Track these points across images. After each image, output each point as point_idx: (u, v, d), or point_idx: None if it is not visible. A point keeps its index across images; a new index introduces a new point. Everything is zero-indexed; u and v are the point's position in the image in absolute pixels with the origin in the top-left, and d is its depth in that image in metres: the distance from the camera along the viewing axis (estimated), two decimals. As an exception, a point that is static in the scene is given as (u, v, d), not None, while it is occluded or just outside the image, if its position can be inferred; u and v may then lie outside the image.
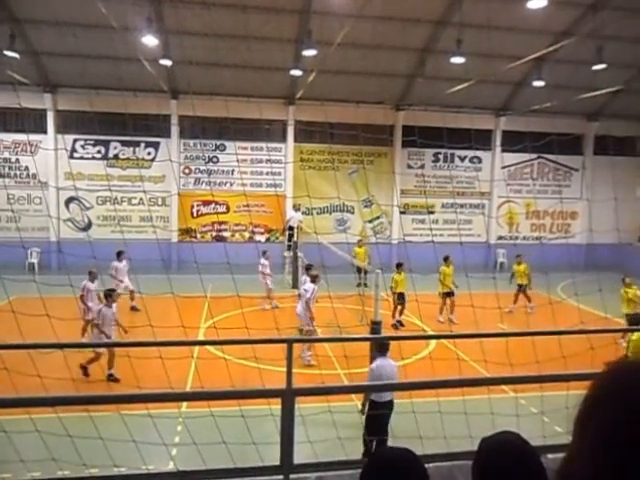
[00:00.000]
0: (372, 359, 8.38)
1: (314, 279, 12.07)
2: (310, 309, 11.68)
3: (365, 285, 17.87)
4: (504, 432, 1.69)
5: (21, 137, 21.48)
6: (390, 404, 7.11)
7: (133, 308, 15.37)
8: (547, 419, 6.98)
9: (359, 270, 18.60)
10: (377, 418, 6.97)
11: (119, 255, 15.52)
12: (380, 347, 7.32)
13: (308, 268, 13.76)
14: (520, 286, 16.67)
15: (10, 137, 21.56)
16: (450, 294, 15.48)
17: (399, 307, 15.01)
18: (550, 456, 2.23)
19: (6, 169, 21.74)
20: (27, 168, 21.82)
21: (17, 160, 21.83)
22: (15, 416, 4.51)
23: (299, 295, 12.51)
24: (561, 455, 1.15)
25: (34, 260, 20.80)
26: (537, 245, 23.86)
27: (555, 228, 26.41)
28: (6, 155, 21.68)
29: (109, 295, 10.82)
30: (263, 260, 16.97)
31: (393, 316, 14.92)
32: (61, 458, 4.60)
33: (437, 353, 10.80)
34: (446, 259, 15.71)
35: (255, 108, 19.13)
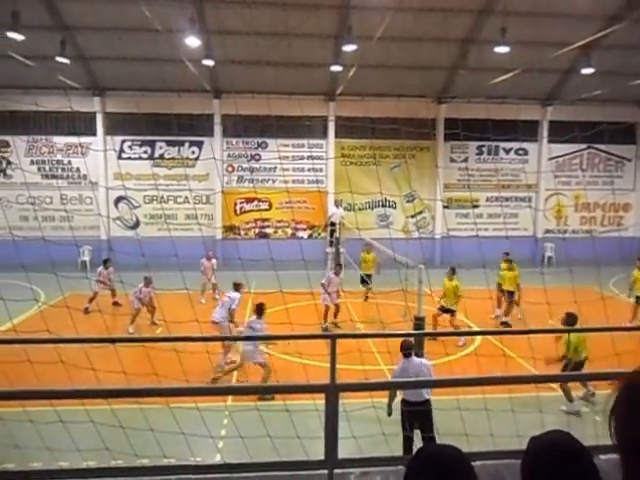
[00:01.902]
0: (416, 355, 8.31)
1: (237, 287, 11.27)
2: (234, 319, 10.90)
3: (366, 298, 16.12)
4: (554, 431, 1.64)
5: (72, 139, 22.33)
6: (421, 404, 6.85)
7: (115, 303, 15.61)
8: (599, 418, 6.75)
9: (364, 280, 16.74)
10: (403, 416, 6.89)
11: (105, 262, 15.86)
12: (402, 348, 7.12)
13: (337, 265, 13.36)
14: (500, 288, 14.52)
15: (62, 140, 22.46)
16: (448, 311, 12.76)
17: (506, 305, 13.81)
18: (603, 457, 2.16)
19: (59, 171, 22.68)
20: (78, 169, 22.68)
21: (69, 162, 22.73)
22: (71, 407, 4.71)
23: (220, 302, 11.45)
24: (613, 456, 1.14)
25: (86, 258, 21.58)
26: (588, 238, 23.04)
27: (607, 221, 25.42)
28: (59, 157, 22.61)
29: (260, 310, 10.85)
30: (203, 260, 16.95)
31: (507, 314, 13.85)
32: (114, 448, 4.79)
33: (483, 350, 10.62)
34: (453, 271, 13.03)
35: (296, 105, 19.22)
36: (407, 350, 7.11)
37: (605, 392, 1.50)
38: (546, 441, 1.60)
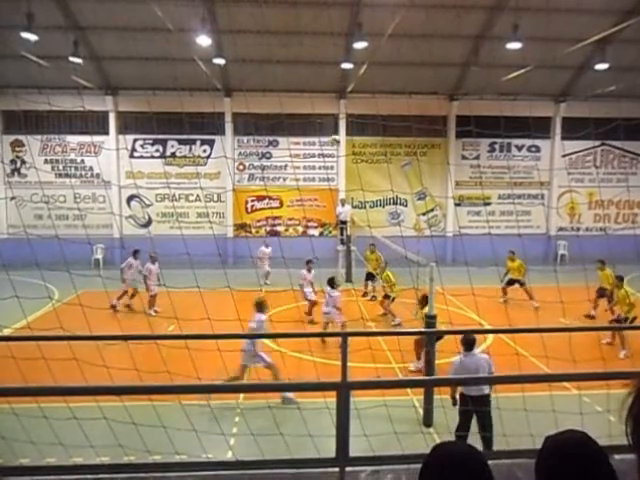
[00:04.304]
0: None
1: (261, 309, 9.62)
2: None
3: (374, 297, 16.38)
4: (570, 430, 1.62)
5: (85, 139, 22.53)
6: (481, 399, 6.74)
7: (129, 306, 15.44)
8: (613, 418, 6.69)
9: (369, 277, 16.91)
10: (463, 411, 6.84)
11: (135, 254, 15.71)
12: (463, 342, 7.02)
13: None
14: (512, 280, 15.81)
15: (76, 139, 22.66)
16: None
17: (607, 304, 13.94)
18: (617, 457, 2.13)
19: (72, 170, 22.89)
20: (91, 168, 22.87)
21: (82, 161, 22.92)
22: (84, 403, 4.76)
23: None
24: (629, 456, 1.12)
25: (99, 256, 21.78)
26: (602, 236, 22.79)
27: (621, 218, 25.12)
28: (72, 156, 22.81)
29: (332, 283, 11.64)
30: (262, 247, 18.85)
31: (613, 312, 13.83)
32: (127, 445, 4.83)
33: (495, 348, 10.55)
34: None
35: (307, 103, 19.16)
36: (468, 344, 7.01)
37: (621, 392, 1.48)
38: (561, 440, 1.58)
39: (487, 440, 6.45)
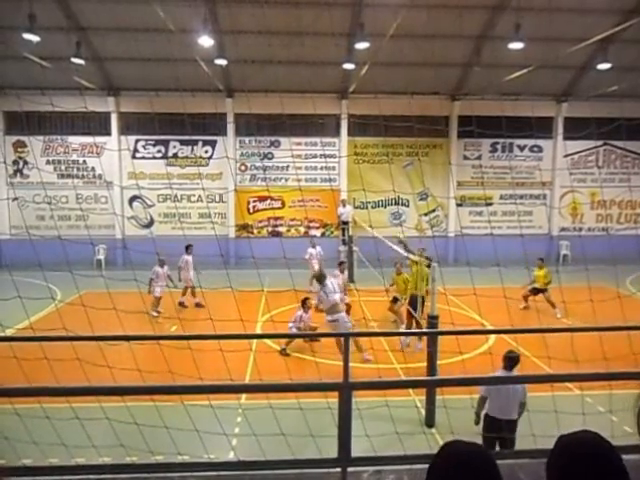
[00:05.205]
0: (429, 353, 8.23)
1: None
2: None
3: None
4: (583, 431, 1.62)
5: (87, 139, 22.56)
6: (507, 425, 6.26)
7: (198, 305, 15.61)
8: (615, 418, 6.67)
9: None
10: (486, 430, 6.42)
11: (188, 249, 16.14)
12: (505, 359, 6.58)
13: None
14: (536, 289, 15.32)
15: (78, 140, 22.69)
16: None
17: None
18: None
19: (75, 170, 22.93)
20: (93, 169, 22.91)
21: (84, 162, 22.96)
22: (87, 404, 4.76)
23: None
24: (631, 456, 1.12)
25: (101, 257, 21.81)
26: (604, 236, 22.75)
27: (623, 218, 25.07)
28: (74, 157, 22.84)
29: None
30: (310, 248, 17.80)
31: None
32: (129, 445, 4.83)
33: (497, 348, 10.53)
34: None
35: (308, 103, 19.21)
36: (511, 362, 6.53)
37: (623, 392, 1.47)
38: (572, 440, 1.58)
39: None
